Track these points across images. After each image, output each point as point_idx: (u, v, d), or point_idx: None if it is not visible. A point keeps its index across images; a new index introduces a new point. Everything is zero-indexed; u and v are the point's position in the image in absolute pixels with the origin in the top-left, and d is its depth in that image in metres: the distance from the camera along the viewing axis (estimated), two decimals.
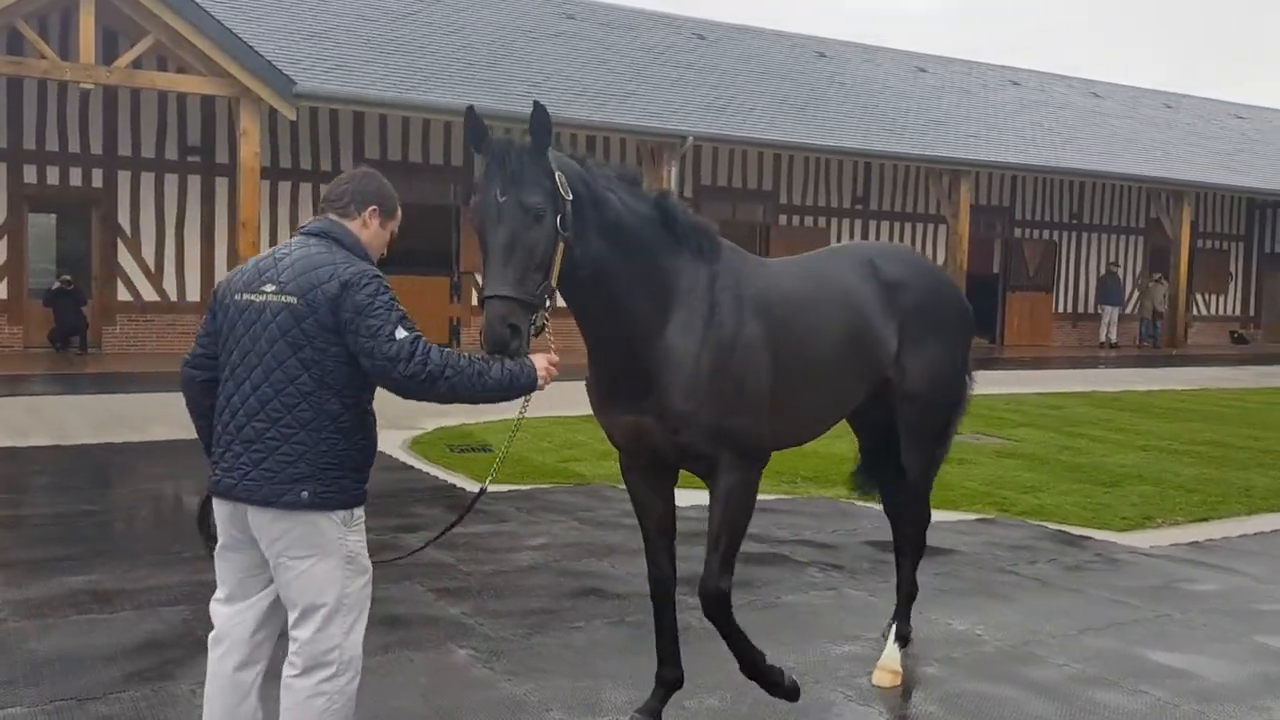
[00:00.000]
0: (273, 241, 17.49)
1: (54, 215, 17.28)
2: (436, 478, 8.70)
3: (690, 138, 17.87)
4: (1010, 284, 24.79)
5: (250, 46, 14.76)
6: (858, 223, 23.09)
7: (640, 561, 6.22)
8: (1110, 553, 6.73)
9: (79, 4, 14.06)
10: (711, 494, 3.74)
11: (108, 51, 14.99)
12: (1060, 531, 7.27)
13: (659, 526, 3.96)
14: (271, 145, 17.22)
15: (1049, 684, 4.49)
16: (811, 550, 6.65)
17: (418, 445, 10.24)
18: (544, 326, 3.25)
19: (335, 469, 3.06)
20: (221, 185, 17.34)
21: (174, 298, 17.31)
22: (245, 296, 3.17)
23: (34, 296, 16.66)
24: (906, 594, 4.67)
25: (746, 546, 6.67)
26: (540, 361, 3.19)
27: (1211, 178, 25.09)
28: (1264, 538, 7.34)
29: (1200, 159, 26.03)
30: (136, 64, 14.60)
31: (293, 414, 3.03)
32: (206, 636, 4.68)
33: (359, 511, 3.18)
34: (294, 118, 15.57)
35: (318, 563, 3.08)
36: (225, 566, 3.30)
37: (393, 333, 2.97)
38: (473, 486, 8.42)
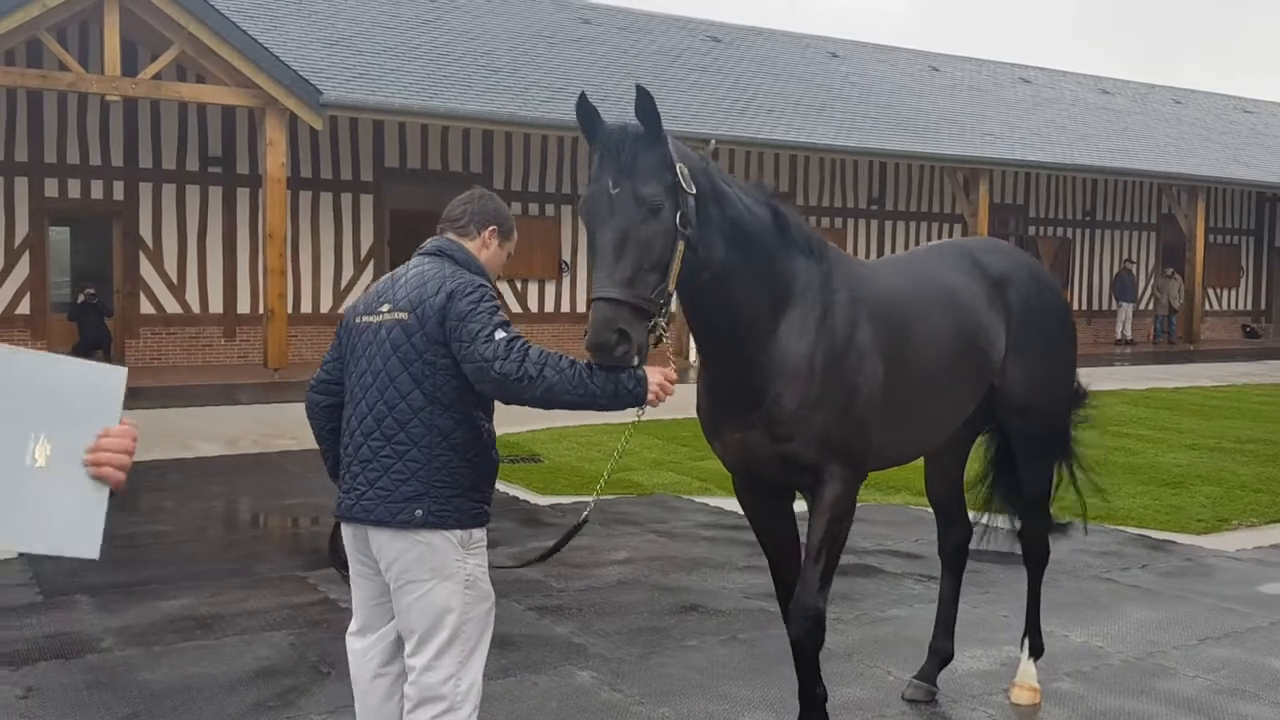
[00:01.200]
0: (296, 252, 17.39)
1: (67, 228, 17.15)
2: (501, 492, 8.61)
3: (713, 141, 17.78)
4: None
5: (276, 57, 14.66)
6: (874, 223, 23.04)
7: (734, 576, 6.21)
8: (1198, 557, 6.67)
9: (102, 15, 13.94)
10: (813, 507, 3.51)
11: (127, 62, 14.87)
12: (1142, 536, 7.21)
13: (781, 547, 3.81)
14: (292, 155, 17.11)
15: (1187, 697, 4.42)
16: (901, 561, 6.57)
17: None
18: (662, 338, 3.00)
19: (449, 487, 2.99)
20: (243, 196, 17.23)
21: (196, 309, 17.19)
22: (364, 319, 3.16)
23: (55, 310, 16.53)
24: (1035, 607, 4.55)
25: None
26: (654, 376, 2.98)
27: (1223, 172, 25.08)
28: None
29: (1211, 154, 26.03)
30: (159, 75, 14.49)
31: (405, 430, 2.98)
32: (318, 662, 4.63)
33: (479, 533, 3.08)
34: (320, 128, 15.47)
35: (436, 586, 2.99)
36: (357, 595, 3.25)
37: (491, 334, 2.90)
38: (533, 498, 8.34)
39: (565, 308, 20.26)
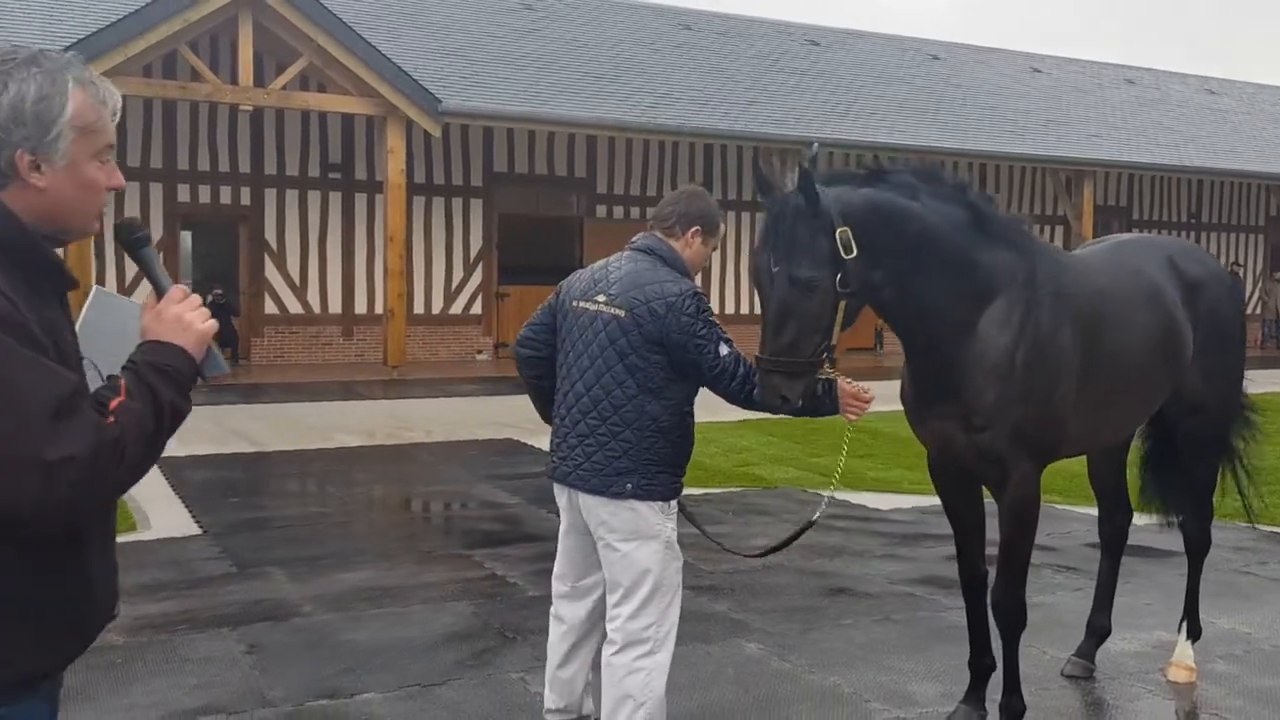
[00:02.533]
0: (411, 254, 17.99)
1: (189, 232, 17.97)
2: None
3: (816, 144, 17.90)
4: None
5: (399, 67, 15.24)
6: None
7: (875, 563, 6.45)
8: None
9: (235, 29, 14.66)
10: (1002, 503, 3.73)
11: (256, 73, 15.59)
12: (1274, 533, 7.26)
13: (970, 530, 4.06)
14: (408, 160, 17.73)
15: None
16: (1039, 554, 6.68)
17: None
18: (827, 376, 3.38)
19: (655, 464, 3.39)
20: (360, 201, 17.89)
21: (317, 310, 17.88)
22: (580, 304, 3.53)
23: None
24: (1195, 593, 4.72)
25: None
26: (845, 390, 3.40)
27: (1254, 166, 24.40)
28: None
29: (1240, 147, 25.35)
30: (286, 85, 15.17)
31: (619, 414, 3.38)
32: (501, 629, 5.00)
33: (674, 502, 3.50)
34: (439, 134, 16.02)
35: (640, 546, 3.40)
36: (563, 547, 3.70)
37: (717, 350, 3.33)
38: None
39: None
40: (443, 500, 8.17)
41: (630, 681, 3.43)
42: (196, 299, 1.84)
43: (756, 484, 8.92)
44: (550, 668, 3.75)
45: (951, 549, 6.72)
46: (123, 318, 1.92)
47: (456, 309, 18.95)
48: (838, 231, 3.28)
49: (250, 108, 15.20)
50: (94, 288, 1.94)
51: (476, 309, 19.06)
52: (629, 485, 3.38)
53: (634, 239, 3.67)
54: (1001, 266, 3.63)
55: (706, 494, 8.35)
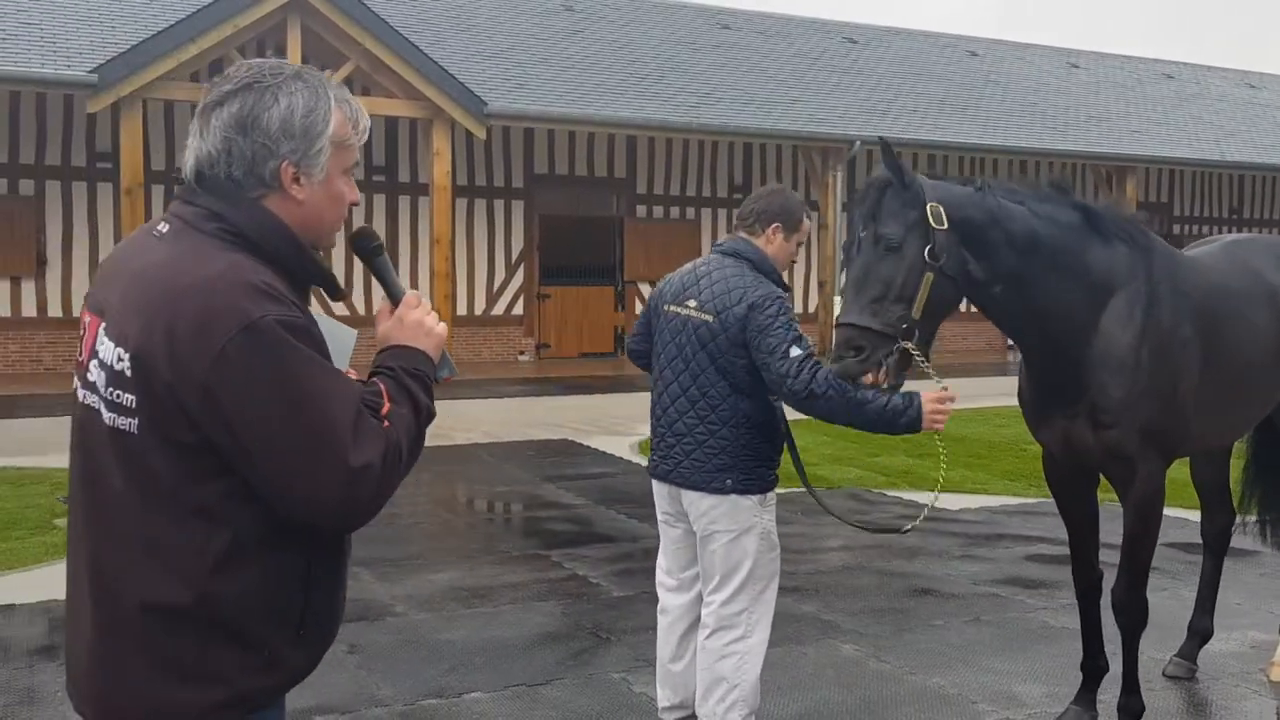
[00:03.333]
0: (453, 255, 18.09)
1: None
2: None
3: (858, 142, 17.92)
4: None
5: (445, 70, 15.33)
6: None
7: (955, 564, 6.44)
8: None
9: (284, 34, 14.79)
10: (1127, 501, 3.74)
11: None
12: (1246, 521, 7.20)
13: (1085, 532, 4.07)
14: (451, 163, 17.83)
15: None
16: (1108, 552, 6.70)
17: (645, 450, 10.54)
18: (918, 363, 3.32)
19: (752, 459, 3.49)
20: (404, 203, 17.99)
21: (362, 312, 18.01)
22: (672, 308, 3.62)
23: None
24: None
25: (1045, 548, 6.82)
26: (929, 401, 3.32)
27: None
28: None
29: None
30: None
31: (715, 413, 3.48)
32: (594, 629, 5.04)
33: (771, 494, 3.58)
34: (484, 137, 16.10)
35: (739, 537, 3.49)
36: (664, 540, 3.80)
37: (787, 350, 3.35)
38: None
39: None
40: (510, 501, 8.23)
41: (723, 665, 3.52)
42: (428, 304, 1.89)
43: (819, 484, 8.90)
44: (661, 662, 3.81)
45: (1030, 549, 6.80)
46: (337, 344, 1.96)
47: (499, 310, 19.02)
48: (928, 205, 3.34)
49: None
50: (320, 318, 1.97)
51: (518, 310, 19.12)
52: (729, 481, 3.49)
53: (720, 242, 3.75)
54: (1119, 264, 3.65)
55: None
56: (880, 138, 3.59)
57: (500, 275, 18.99)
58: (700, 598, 3.68)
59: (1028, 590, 5.88)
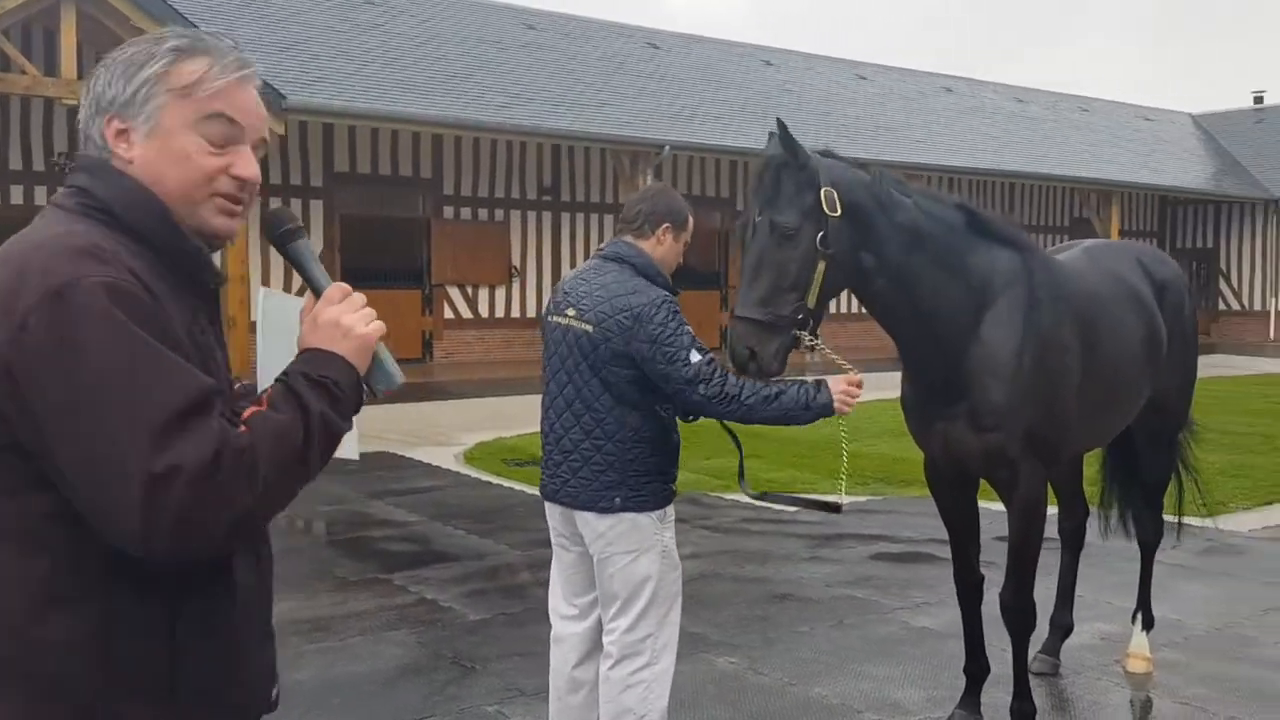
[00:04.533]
0: (248, 257, 17.07)
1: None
2: (523, 492, 8.69)
3: (667, 146, 18.07)
4: None
5: None
6: None
7: (805, 566, 6.45)
8: (1219, 538, 7.11)
9: (59, 16, 13.54)
10: (1011, 505, 3.74)
11: (85, 67, 14.45)
12: (1102, 514, 7.66)
13: (967, 535, 4.07)
14: None
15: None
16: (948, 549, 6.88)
17: (473, 461, 10.20)
18: (813, 348, 3.27)
19: (641, 475, 3.29)
20: None
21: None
22: (554, 318, 3.43)
23: None
24: (1147, 585, 4.89)
25: (888, 547, 6.94)
26: (837, 385, 3.25)
27: (1133, 177, 26.39)
28: None
29: (1122, 159, 27.32)
30: None
31: (601, 427, 3.28)
32: (456, 659, 4.73)
33: (670, 510, 3.41)
34: (281, 133, 15.25)
35: (639, 558, 3.30)
36: (558, 564, 3.57)
37: (688, 357, 3.17)
38: None
39: (515, 313, 20.30)
40: (338, 521, 7.71)
41: (629, 696, 3.33)
42: (360, 299, 1.57)
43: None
44: (556, 695, 3.56)
45: (874, 548, 6.89)
46: (276, 319, 1.64)
47: None
48: (823, 189, 3.26)
49: (74, 102, 14.03)
50: (260, 292, 1.63)
51: None
52: (617, 499, 3.28)
53: (602, 246, 3.52)
54: (1002, 267, 3.64)
55: None
56: (777, 119, 3.42)
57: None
58: (598, 625, 3.45)
59: (881, 591, 5.93)
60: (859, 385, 3.30)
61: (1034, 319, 3.63)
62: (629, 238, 3.43)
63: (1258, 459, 10.16)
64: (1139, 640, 4.74)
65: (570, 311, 3.35)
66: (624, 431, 3.26)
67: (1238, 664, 4.79)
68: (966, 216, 3.69)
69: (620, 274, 3.34)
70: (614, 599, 3.33)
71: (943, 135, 24.18)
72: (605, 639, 3.37)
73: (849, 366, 3.32)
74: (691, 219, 3.57)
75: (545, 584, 6.02)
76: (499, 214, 20.02)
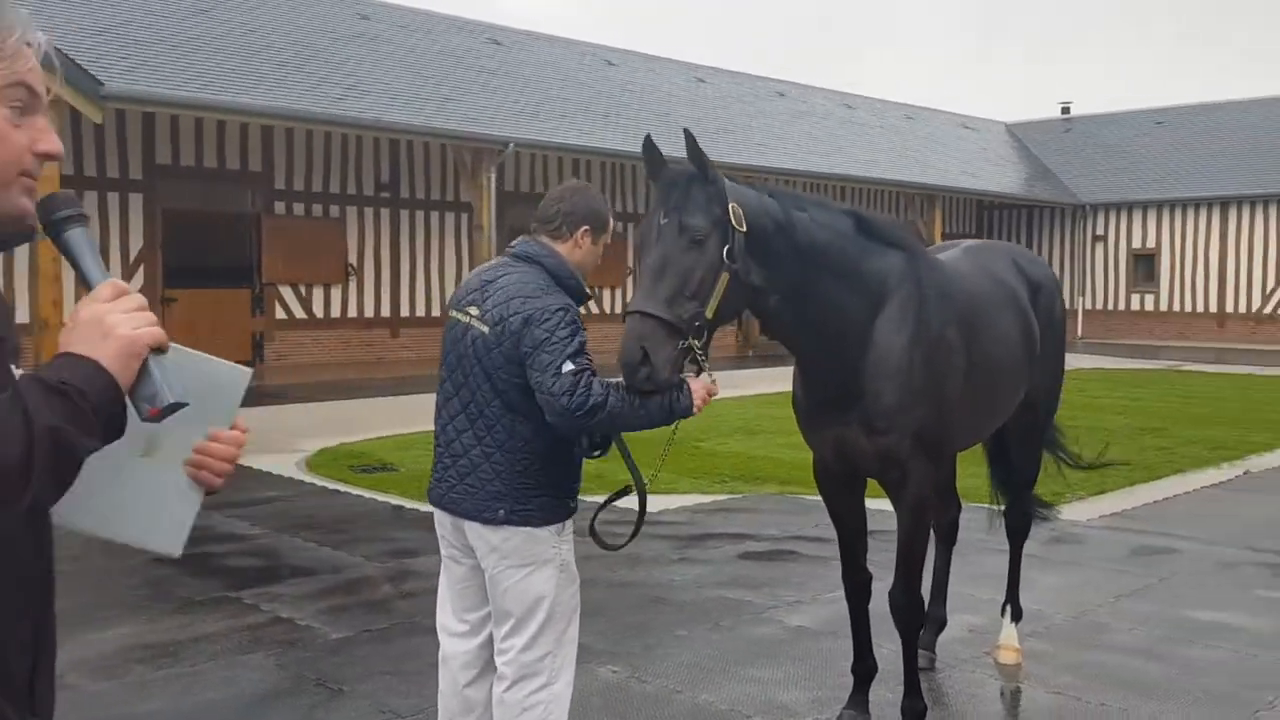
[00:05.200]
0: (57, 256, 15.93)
1: None
2: (374, 500, 8.34)
3: (512, 144, 17.79)
4: None
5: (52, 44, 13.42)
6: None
7: (675, 568, 6.37)
8: (1061, 528, 7.42)
9: None
10: (900, 505, 3.75)
11: None
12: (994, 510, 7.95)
13: (855, 535, 4.05)
14: None
15: (1137, 647, 5.01)
16: (815, 545, 6.95)
17: (316, 468, 9.75)
18: (702, 367, 3.17)
19: (530, 488, 3.11)
20: None
21: None
22: (454, 314, 3.26)
23: None
24: (1016, 577, 5.01)
25: (754, 545, 6.96)
26: (697, 387, 3.17)
27: (956, 182, 27.62)
28: (1161, 504, 8.34)
29: (944, 165, 28.54)
30: None
31: (491, 435, 3.11)
32: (322, 680, 4.46)
33: (569, 523, 3.24)
34: (100, 122, 14.28)
35: (534, 572, 3.13)
36: (447, 578, 3.34)
37: (559, 367, 3.00)
38: (412, 505, 8.15)
39: (352, 313, 19.64)
40: None
41: (528, 718, 3.13)
42: (137, 299, 1.35)
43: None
44: (448, 718, 3.33)
45: (740, 547, 6.89)
46: (204, 386, 1.50)
47: None
48: (730, 204, 3.23)
49: None
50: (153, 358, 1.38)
51: None
52: (501, 511, 3.09)
53: (513, 244, 3.32)
54: (892, 270, 3.66)
55: None
56: (685, 130, 3.32)
57: (116, 276, 16.96)
58: (490, 641, 3.25)
59: (753, 591, 5.91)
60: (713, 393, 3.20)
61: (923, 321, 3.65)
62: (544, 238, 3.24)
63: (1083, 451, 10.67)
64: (1009, 632, 4.85)
65: (473, 310, 3.16)
66: (514, 441, 3.08)
67: (1098, 651, 4.96)
68: (855, 221, 3.68)
69: (527, 274, 3.16)
70: (507, 616, 3.15)
71: (779, 139, 24.69)
72: (498, 659, 3.18)
73: (711, 377, 3.21)
74: (612, 221, 3.42)
75: (409, 597, 5.83)
76: (334, 210, 19.32)
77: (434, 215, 20.51)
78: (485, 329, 3.10)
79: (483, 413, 3.10)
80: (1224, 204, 28.68)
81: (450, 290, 20.75)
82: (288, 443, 10.98)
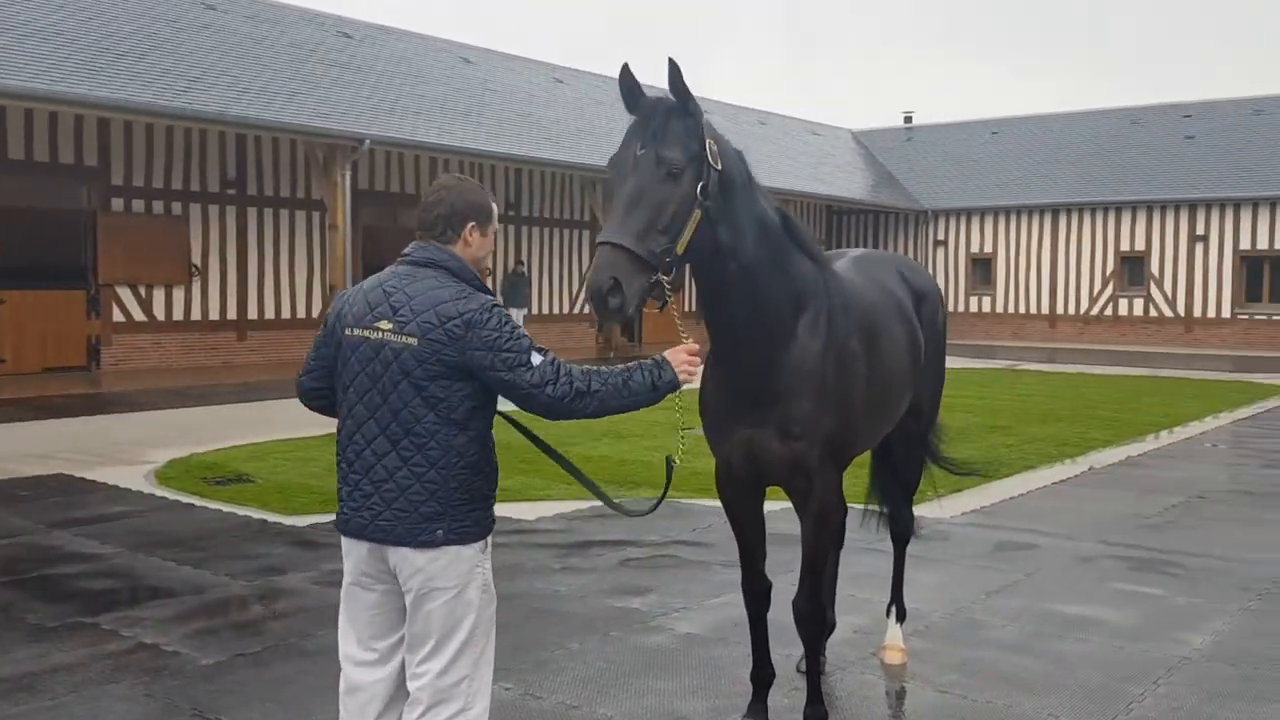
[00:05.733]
0: None
1: None
2: (233, 514, 7.96)
3: (368, 141, 17.35)
4: None
5: None
6: (511, 227, 23.51)
7: (559, 578, 6.31)
8: (929, 525, 7.64)
9: None
10: (806, 513, 3.76)
11: None
12: (867, 510, 8.14)
13: (756, 543, 4.04)
14: None
15: (1013, 642, 5.19)
16: (696, 550, 6.97)
17: (167, 480, 9.25)
18: (667, 302, 3.13)
19: (466, 503, 3.04)
20: None
21: None
22: (358, 332, 3.10)
23: None
24: (900, 579, 5.12)
25: (635, 552, 6.95)
26: (678, 356, 3.13)
27: (806, 187, 28.34)
28: (1017, 500, 8.71)
29: (795, 170, 29.24)
30: None
31: (423, 453, 3.00)
32: (198, 711, 4.23)
33: (489, 539, 3.16)
34: None
35: (461, 592, 3.05)
36: (354, 605, 3.19)
37: (529, 360, 2.97)
38: (274, 518, 7.83)
39: (196, 315, 18.80)
40: (19, 558, 6.69)
41: None
42: None
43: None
44: None
45: (621, 554, 6.86)
46: None
47: None
48: (709, 142, 3.21)
49: None
50: None
51: None
52: (439, 532, 2.99)
53: (406, 251, 3.20)
54: (810, 276, 3.69)
55: (314, 523, 7.58)
56: (670, 58, 3.21)
57: None
58: (402, 669, 3.11)
59: (639, 598, 5.89)
60: (696, 353, 3.17)
61: (834, 330, 3.68)
62: (434, 242, 3.12)
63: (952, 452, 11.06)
64: (894, 632, 4.96)
65: (385, 324, 3.01)
66: (449, 456, 2.98)
67: (977, 648, 5.12)
68: (783, 220, 3.67)
69: (440, 279, 3.05)
70: (426, 639, 3.02)
71: None
72: (412, 684, 3.05)
73: (685, 335, 3.19)
74: (495, 205, 3.31)
75: (281, 617, 5.57)
76: (176, 207, 18.47)
77: (283, 213, 19.84)
78: (411, 340, 2.97)
79: (411, 430, 2.97)
80: (1054, 211, 30.26)
81: (303, 291, 20.11)
82: (133, 454, 10.42)
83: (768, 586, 4.11)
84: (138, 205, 18.04)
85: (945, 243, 32.06)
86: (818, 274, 3.72)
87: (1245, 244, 27.74)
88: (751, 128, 31.47)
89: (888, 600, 5.12)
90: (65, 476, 9.25)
